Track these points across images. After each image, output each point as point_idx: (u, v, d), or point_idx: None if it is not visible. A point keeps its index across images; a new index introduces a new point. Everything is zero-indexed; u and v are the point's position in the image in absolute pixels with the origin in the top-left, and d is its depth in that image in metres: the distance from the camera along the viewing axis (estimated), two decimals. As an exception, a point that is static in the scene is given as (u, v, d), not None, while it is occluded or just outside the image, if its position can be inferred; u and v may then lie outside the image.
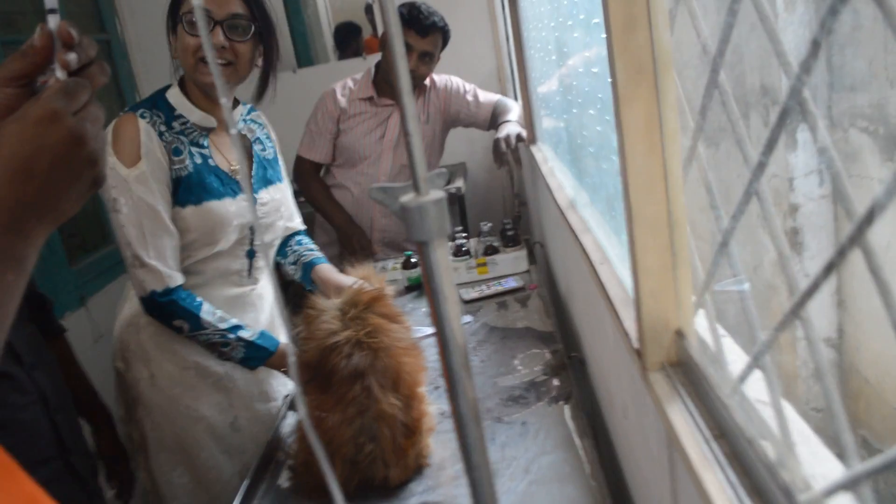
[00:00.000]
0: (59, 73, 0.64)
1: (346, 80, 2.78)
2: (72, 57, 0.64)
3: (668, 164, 0.76)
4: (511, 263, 2.39)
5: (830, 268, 0.44)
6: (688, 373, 0.80)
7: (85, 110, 0.63)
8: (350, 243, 2.69)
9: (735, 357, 0.77)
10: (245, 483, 1.43)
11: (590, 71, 1.18)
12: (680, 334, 0.82)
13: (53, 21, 0.64)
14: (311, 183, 2.78)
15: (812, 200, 2.12)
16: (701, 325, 0.83)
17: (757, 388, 0.70)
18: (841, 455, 0.57)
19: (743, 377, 0.66)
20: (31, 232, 0.61)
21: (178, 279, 1.60)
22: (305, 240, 1.99)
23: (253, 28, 1.62)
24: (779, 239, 0.58)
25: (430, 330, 2.07)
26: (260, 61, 1.69)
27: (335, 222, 2.76)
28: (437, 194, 0.57)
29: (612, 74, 0.77)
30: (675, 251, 0.79)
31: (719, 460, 0.67)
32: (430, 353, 1.93)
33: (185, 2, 1.60)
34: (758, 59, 2.12)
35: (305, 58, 3.91)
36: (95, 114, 0.65)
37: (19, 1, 3.13)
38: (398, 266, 2.51)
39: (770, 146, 0.51)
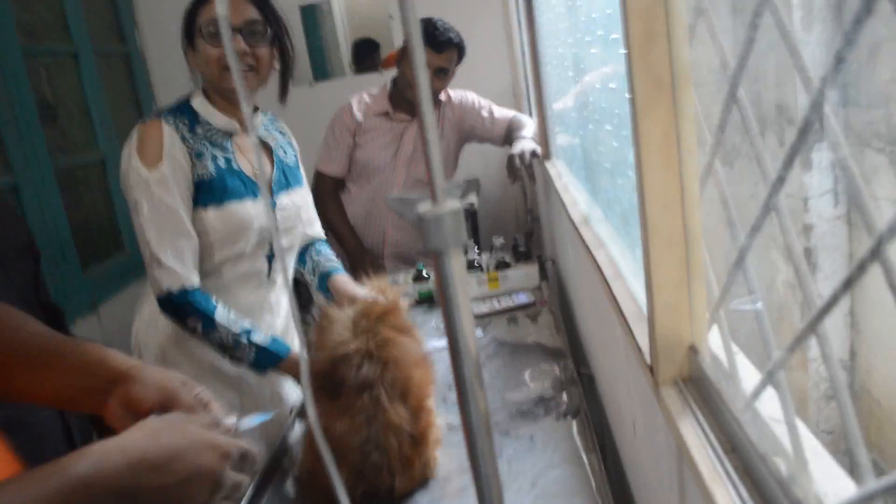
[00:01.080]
0: None
1: (363, 93, 2.80)
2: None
3: (685, 180, 0.76)
4: (522, 279, 2.39)
5: (850, 282, 0.44)
6: (700, 388, 0.80)
7: (234, 469, 0.79)
8: (363, 268, 2.70)
9: (748, 374, 0.77)
10: (251, 489, 1.43)
11: (607, 87, 1.18)
12: (693, 350, 0.82)
13: None
14: (329, 202, 2.80)
15: (826, 221, 2.12)
16: (714, 341, 0.83)
17: (769, 406, 0.70)
18: (853, 473, 0.57)
19: (757, 393, 0.66)
20: None
21: (194, 280, 1.61)
22: (325, 249, 2.01)
23: (269, 32, 1.67)
24: (795, 253, 0.58)
25: (440, 343, 2.07)
26: (276, 63, 1.73)
27: (347, 248, 2.78)
28: (453, 204, 0.57)
29: (631, 89, 0.77)
30: (691, 266, 0.79)
31: (731, 475, 0.67)
32: (439, 366, 1.94)
33: (201, 15, 1.64)
34: (774, 77, 2.12)
35: (322, 72, 3.93)
36: (236, 479, 0.80)
37: (41, 11, 3.16)
38: (409, 279, 2.52)
39: (790, 160, 0.51)
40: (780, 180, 0.54)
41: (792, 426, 0.61)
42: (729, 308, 0.77)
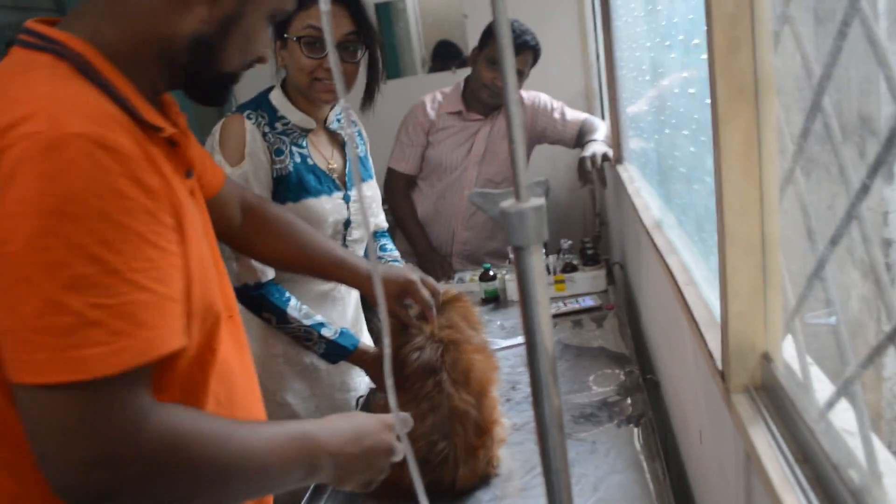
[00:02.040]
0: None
1: (436, 93, 2.82)
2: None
3: (765, 187, 0.76)
4: (589, 282, 2.38)
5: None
6: (772, 396, 0.80)
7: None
8: (432, 269, 2.72)
9: (821, 385, 0.76)
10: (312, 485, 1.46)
11: (686, 92, 1.18)
12: (766, 357, 0.81)
13: None
14: (400, 201, 2.82)
15: (907, 236, 2.06)
16: (787, 351, 0.82)
17: (842, 418, 0.69)
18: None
19: (832, 402, 0.65)
20: (323, 471, 0.92)
21: (269, 274, 1.66)
22: (389, 245, 2.03)
23: (362, 48, 1.67)
24: (876, 262, 0.58)
25: (505, 342, 2.08)
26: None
27: (417, 248, 2.80)
28: (536, 201, 0.59)
29: (712, 95, 0.77)
30: (767, 274, 0.79)
31: (802, 485, 0.66)
32: (504, 365, 1.95)
33: (297, 19, 1.64)
34: (857, 87, 2.07)
35: (394, 69, 3.97)
36: (399, 448, 1.03)
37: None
38: (475, 278, 2.53)
39: (875, 168, 0.51)
40: (865, 188, 0.54)
41: (866, 438, 0.60)
42: (804, 321, 0.77)
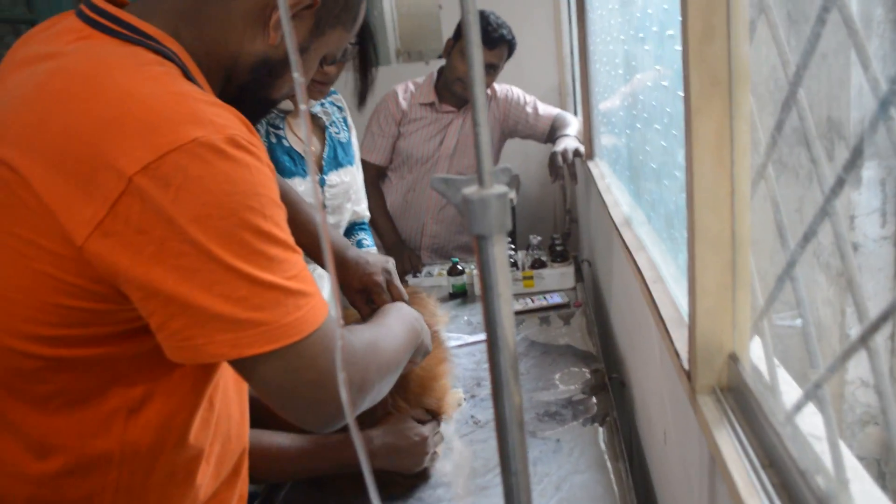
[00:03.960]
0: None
1: (408, 82, 2.78)
2: None
3: (737, 181, 0.74)
4: (557, 279, 2.36)
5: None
6: (739, 398, 0.77)
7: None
8: (400, 262, 2.69)
9: (788, 388, 0.74)
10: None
11: (659, 84, 1.16)
12: (734, 358, 0.79)
13: None
14: (369, 191, 2.79)
15: (873, 241, 2.06)
16: (754, 352, 0.80)
17: (809, 422, 0.67)
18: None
19: (799, 406, 0.63)
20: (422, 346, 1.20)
21: None
22: (367, 240, 2.00)
23: (353, 49, 1.64)
24: (847, 259, 0.56)
25: (471, 338, 2.06)
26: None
27: (385, 241, 2.77)
28: (500, 189, 0.56)
29: (686, 85, 0.75)
30: (737, 271, 0.77)
31: (767, 490, 0.64)
32: (468, 361, 1.92)
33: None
34: (826, 91, 2.07)
35: (367, 59, 3.92)
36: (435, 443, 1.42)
37: None
38: (443, 272, 2.50)
39: (851, 163, 0.48)
40: (840, 182, 0.52)
41: (834, 443, 0.58)
42: (772, 322, 0.75)
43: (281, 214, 0.77)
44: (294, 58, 0.50)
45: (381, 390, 0.95)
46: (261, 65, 0.87)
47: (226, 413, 0.95)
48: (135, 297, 0.72)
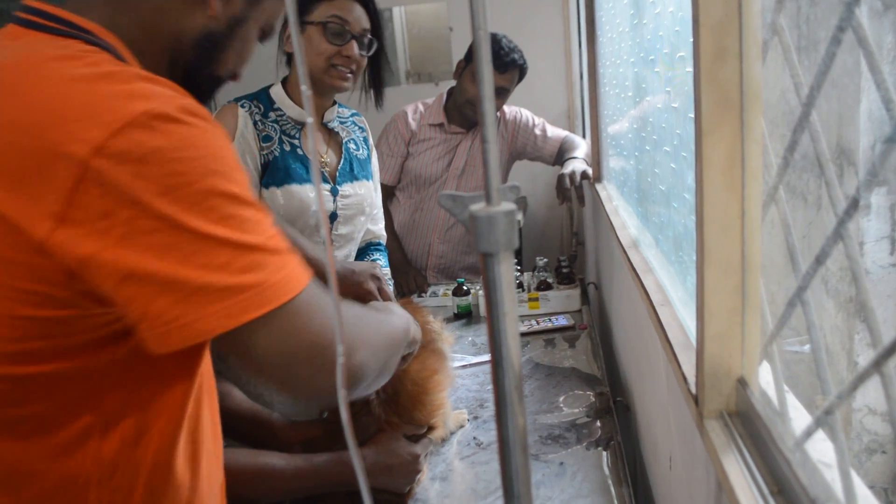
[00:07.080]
0: None
1: (418, 103, 2.79)
2: None
3: (747, 203, 0.73)
4: (563, 301, 2.35)
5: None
6: (747, 423, 0.76)
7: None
8: (406, 282, 2.69)
9: (797, 414, 0.73)
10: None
11: (669, 106, 1.15)
12: (742, 382, 0.78)
13: None
14: None
15: (882, 268, 2.05)
16: (763, 377, 0.79)
17: (818, 449, 0.66)
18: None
19: (809, 432, 0.62)
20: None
21: None
22: (382, 261, 2.05)
23: (375, 43, 1.77)
24: (860, 281, 0.55)
25: (475, 359, 2.04)
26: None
27: (391, 261, 2.77)
28: (507, 206, 0.55)
29: (697, 107, 0.74)
30: (746, 295, 0.76)
31: (776, 518, 0.63)
32: (472, 382, 1.91)
33: (320, 8, 1.71)
34: (836, 117, 2.07)
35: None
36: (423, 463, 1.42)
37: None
38: (448, 293, 2.49)
39: (868, 183, 0.48)
40: (855, 204, 0.51)
41: (845, 472, 0.57)
42: (781, 347, 0.74)
43: (245, 177, 0.75)
44: (302, 70, 0.50)
45: (372, 367, 0.89)
46: (204, 39, 0.86)
47: (209, 447, 0.92)
48: (109, 286, 0.67)
